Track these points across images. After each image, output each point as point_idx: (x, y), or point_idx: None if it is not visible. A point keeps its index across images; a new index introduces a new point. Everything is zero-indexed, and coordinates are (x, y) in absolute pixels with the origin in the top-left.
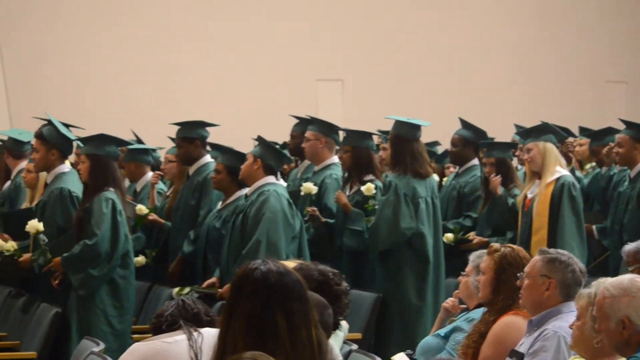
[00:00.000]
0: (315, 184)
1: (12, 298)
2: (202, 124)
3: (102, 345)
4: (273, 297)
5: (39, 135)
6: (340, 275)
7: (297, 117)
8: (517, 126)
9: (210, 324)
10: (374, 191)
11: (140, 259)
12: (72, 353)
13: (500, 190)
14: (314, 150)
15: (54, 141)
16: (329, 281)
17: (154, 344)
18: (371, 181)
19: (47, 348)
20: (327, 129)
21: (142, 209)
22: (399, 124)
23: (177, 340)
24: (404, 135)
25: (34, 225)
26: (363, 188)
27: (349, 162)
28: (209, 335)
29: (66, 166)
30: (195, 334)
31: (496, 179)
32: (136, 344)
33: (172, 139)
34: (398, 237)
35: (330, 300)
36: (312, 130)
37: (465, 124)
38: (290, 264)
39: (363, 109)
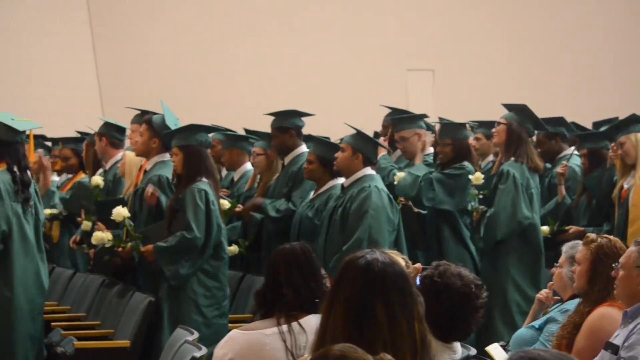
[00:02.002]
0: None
1: (105, 287)
2: (297, 114)
3: (195, 334)
4: (373, 285)
5: (147, 121)
6: (482, 287)
7: (389, 107)
8: (594, 124)
9: None
10: (482, 181)
11: (233, 248)
12: (165, 342)
13: (613, 162)
14: (414, 148)
15: (160, 131)
16: (470, 294)
17: (254, 336)
18: (464, 168)
19: (140, 337)
20: (420, 121)
21: (224, 204)
22: (515, 112)
23: (275, 332)
24: (521, 124)
25: (120, 212)
26: (472, 177)
27: (452, 155)
28: (311, 326)
29: (166, 155)
30: (295, 326)
31: (616, 154)
32: (235, 332)
33: (249, 132)
34: (515, 226)
35: (467, 311)
36: (411, 128)
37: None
38: (399, 258)
39: (453, 98)
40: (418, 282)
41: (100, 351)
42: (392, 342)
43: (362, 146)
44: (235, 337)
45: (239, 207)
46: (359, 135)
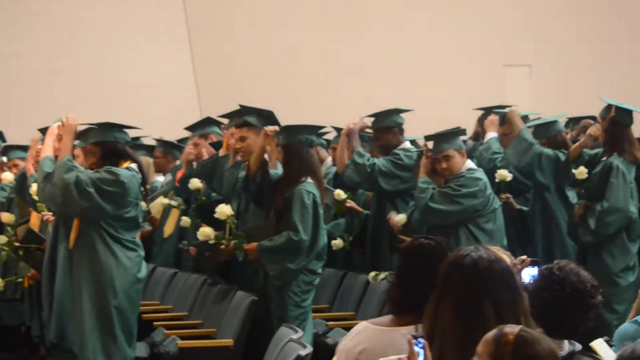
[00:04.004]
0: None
1: (207, 286)
2: (397, 111)
3: (300, 333)
4: (482, 284)
5: (245, 123)
6: (598, 289)
7: (483, 109)
8: None
9: None
10: (585, 175)
11: (338, 242)
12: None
13: None
14: (508, 142)
15: (261, 125)
16: (584, 291)
17: (389, 333)
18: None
19: (243, 335)
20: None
21: (340, 194)
22: (605, 108)
23: (412, 332)
24: (620, 120)
25: (224, 211)
26: (576, 172)
27: None
28: None
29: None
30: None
31: None
32: (367, 325)
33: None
34: (626, 221)
35: (577, 308)
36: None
37: None
38: (502, 254)
39: (550, 93)
40: (536, 273)
41: (203, 350)
42: None
43: (460, 144)
44: (368, 332)
45: (350, 203)
46: (454, 134)
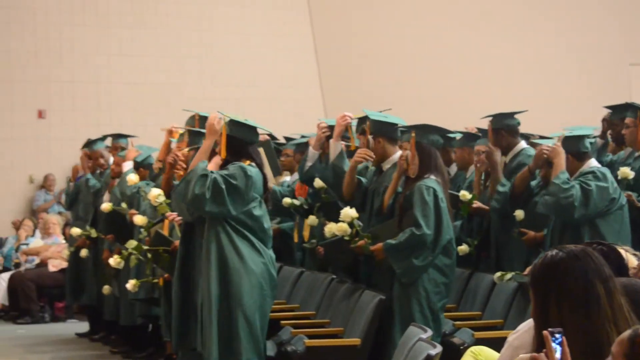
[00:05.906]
0: (633, 169)
1: (334, 285)
2: (502, 115)
3: (429, 332)
4: (589, 268)
5: (364, 131)
6: None
7: (610, 107)
8: None
9: None
10: None
11: (464, 247)
12: (395, 340)
13: None
14: (635, 137)
15: (378, 131)
16: None
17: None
18: None
19: (370, 335)
20: None
21: (465, 194)
22: None
23: None
24: None
25: (348, 213)
26: None
27: None
28: None
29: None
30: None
31: None
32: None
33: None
34: None
35: None
36: (631, 116)
37: None
38: (630, 254)
39: None
40: None
41: (330, 349)
42: (613, 315)
43: (575, 145)
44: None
45: (476, 203)
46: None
